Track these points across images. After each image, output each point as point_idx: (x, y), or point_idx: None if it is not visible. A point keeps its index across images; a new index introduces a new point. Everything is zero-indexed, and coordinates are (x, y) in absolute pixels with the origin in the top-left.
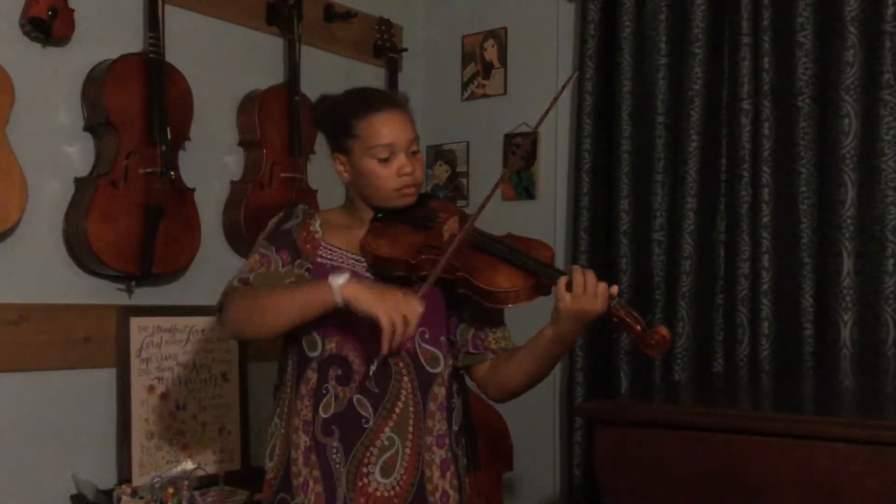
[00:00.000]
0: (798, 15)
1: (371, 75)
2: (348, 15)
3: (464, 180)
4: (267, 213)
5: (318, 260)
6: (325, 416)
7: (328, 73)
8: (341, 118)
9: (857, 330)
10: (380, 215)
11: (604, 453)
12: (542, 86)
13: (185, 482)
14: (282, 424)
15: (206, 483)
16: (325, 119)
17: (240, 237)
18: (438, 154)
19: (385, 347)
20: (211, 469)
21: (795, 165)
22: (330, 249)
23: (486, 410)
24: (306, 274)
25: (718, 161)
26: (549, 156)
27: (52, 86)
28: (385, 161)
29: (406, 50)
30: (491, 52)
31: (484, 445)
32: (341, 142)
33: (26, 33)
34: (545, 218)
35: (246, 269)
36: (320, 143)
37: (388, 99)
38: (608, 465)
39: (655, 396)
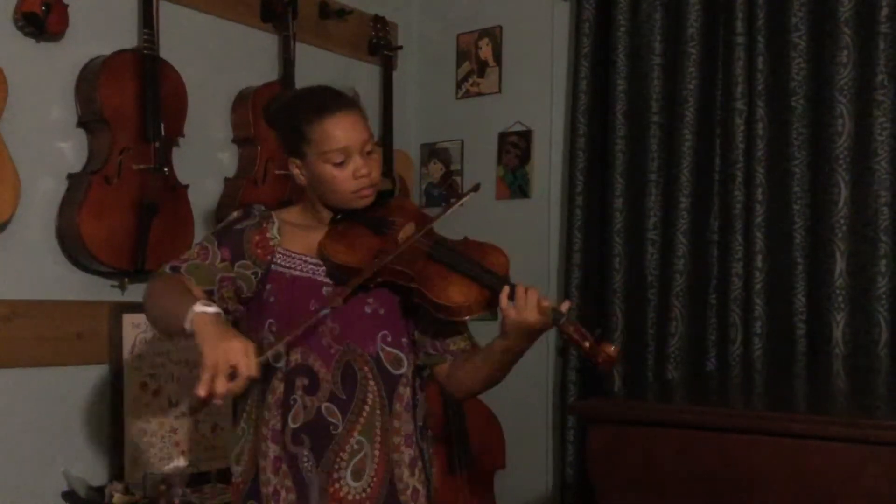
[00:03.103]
0: (792, 15)
1: (366, 73)
2: (343, 12)
3: (458, 179)
4: None
5: (275, 268)
6: (295, 426)
7: (323, 70)
8: (293, 123)
9: (850, 330)
10: (338, 217)
11: (596, 452)
12: (537, 84)
13: (177, 479)
14: (249, 430)
15: (198, 480)
16: (277, 122)
17: None
18: (433, 152)
19: (200, 390)
20: (203, 467)
21: (789, 165)
22: (288, 255)
23: (479, 409)
24: (253, 277)
25: (712, 161)
26: (544, 154)
27: (45, 81)
28: (340, 165)
29: (401, 48)
30: (486, 51)
31: (477, 444)
32: (294, 146)
33: (20, 28)
34: (539, 216)
35: (183, 257)
36: None
37: (339, 100)
38: (601, 463)
39: (648, 395)
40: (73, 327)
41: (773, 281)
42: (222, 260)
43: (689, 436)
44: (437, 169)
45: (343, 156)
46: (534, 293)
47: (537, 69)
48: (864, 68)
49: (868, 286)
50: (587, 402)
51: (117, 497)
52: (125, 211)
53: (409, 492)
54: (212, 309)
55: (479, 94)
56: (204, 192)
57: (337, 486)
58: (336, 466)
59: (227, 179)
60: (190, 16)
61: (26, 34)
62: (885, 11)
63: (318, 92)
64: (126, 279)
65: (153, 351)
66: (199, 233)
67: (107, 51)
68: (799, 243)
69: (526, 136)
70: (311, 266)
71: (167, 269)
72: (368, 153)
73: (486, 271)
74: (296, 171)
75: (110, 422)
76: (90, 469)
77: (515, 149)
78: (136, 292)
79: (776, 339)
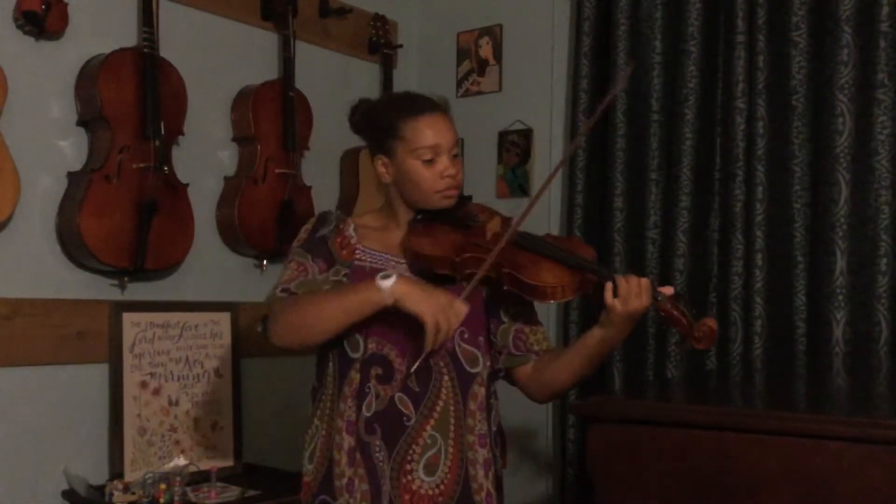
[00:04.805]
0: (793, 14)
1: (366, 71)
2: (343, 11)
3: None
4: (261, 209)
5: (357, 263)
6: (368, 414)
7: (323, 68)
8: (385, 119)
9: (850, 329)
10: (419, 216)
11: (597, 451)
12: (538, 83)
13: (178, 478)
14: (322, 426)
15: (198, 479)
16: (366, 121)
17: (233, 233)
18: None
19: (428, 345)
20: (203, 465)
21: (789, 164)
22: (367, 252)
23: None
24: (344, 279)
25: (712, 159)
26: (544, 153)
27: (45, 80)
28: (429, 162)
29: (401, 46)
30: (486, 50)
31: None
32: (384, 143)
33: (20, 27)
34: (539, 215)
35: (285, 279)
36: (315, 139)
37: (431, 102)
38: (601, 462)
39: (648, 394)
40: (73, 326)
41: (773, 280)
42: (321, 271)
43: (688, 435)
44: None
45: (433, 154)
46: (635, 278)
47: (538, 68)
48: (865, 67)
49: (868, 285)
50: (587, 402)
51: (117, 496)
52: (125, 209)
53: (483, 493)
54: (394, 275)
55: (480, 92)
56: (204, 190)
57: (409, 478)
58: (409, 458)
59: (226, 178)
60: (190, 14)
61: (26, 33)
62: (885, 10)
63: (411, 94)
64: (126, 278)
65: (153, 350)
66: (200, 231)
67: (107, 49)
68: (799, 242)
69: (526, 134)
70: (391, 263)
71: (279, 292)
72: (455, 156)
73: (575, 256)
74: (381, 170)
75: (110, 420)
76: (90, 468)
77: (516, 147)
78: (136, 291)
79: (776, 337)
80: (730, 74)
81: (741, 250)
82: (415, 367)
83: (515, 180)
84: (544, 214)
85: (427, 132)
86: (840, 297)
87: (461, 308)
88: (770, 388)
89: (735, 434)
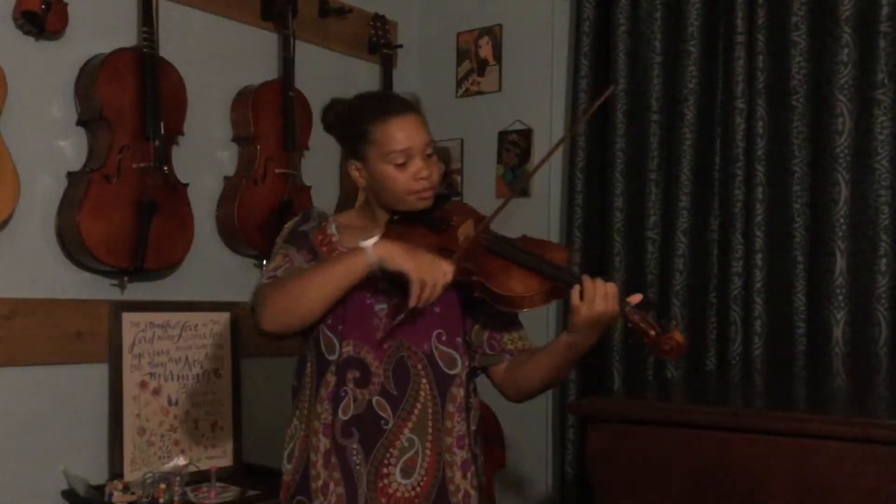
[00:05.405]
0: (793, 14)
1: (365, 71)
2: (343, 11)
3: (457, 177)
4: (261, 209)
5: None
6: (345, 418)
7: (323, 68)
8: (355, 124)
9: (850, 329)
10: (396, 218)
11: (596, 450)
12: (538, 83)
13: (177, 478)
14: (301, 427)
15: (197, 479)
16: (337, 124)
17: (233, 233)
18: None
19: (412, 301)
20: (203, 465)
21: (789, 164)
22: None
23: (479, 407)
24: None
25: (712, 160)
26: (544, 153)
27: (45, 80)
28: (402, 166)
29: (401, 46)
30: (486, 50)
31: None
32: (356, 148)
33: (19, 27)
34: (539, 216)
35: (271, 268)
36: (315, 139)
37: (401, 103)
38: (600, 462)
39: (648, 394)
40: (72, 326)
41: (773, 280)
42: (307, 261)
43: (688, 435)
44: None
45: (405, 157)
46: (602, 283)
47: (537, 68)
48: (865, 67)
49: (868, 285)
50: (587, 401)
51: (117, 496)
52: (125, 209)
53: (460, 494)
54: (377, 236)
55: (479, 92)
56: (204, 190)
57: (386, 481)
58: (385, 462)
59: (226, 178)
60: (189, 14)
61: (26, 33)
62: (885, 10)
63: (380, 95)
64: (126, 278)
65: (153, 350)
66: (200, 231)
67: (106, 49)
68: (799, 242)
69: (526, 134)
70: None
71: (265, 280)
72: (429, 156)
73: (546, 263)
74: (355, 174)
75: (110, 420)
76: (90, 468)
77: (515, 147)
78: (135, 291)
79: (776, 338)
80: (730, 74)
81: (741, 250)
82: (398, 321)
83: (515, 180)
84: (544, 215)
85: (398, 135)
86: (840, 297)
87: (448, 268)
88: (770, 388)
89: (735, 434)
